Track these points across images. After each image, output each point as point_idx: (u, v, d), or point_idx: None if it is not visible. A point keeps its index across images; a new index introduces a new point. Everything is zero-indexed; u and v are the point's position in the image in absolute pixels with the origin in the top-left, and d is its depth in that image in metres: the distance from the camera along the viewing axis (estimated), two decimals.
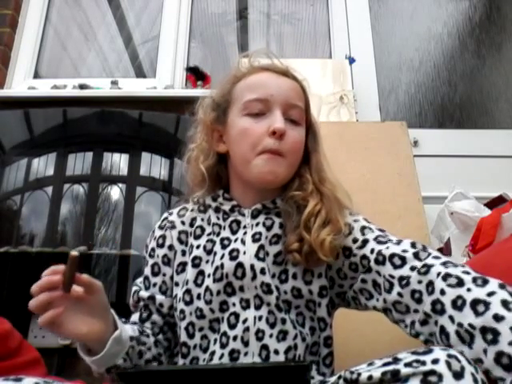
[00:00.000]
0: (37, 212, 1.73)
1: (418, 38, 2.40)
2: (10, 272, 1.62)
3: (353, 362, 0.68)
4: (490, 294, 0.63)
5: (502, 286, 0.63)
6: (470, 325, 0.62)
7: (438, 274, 0.69)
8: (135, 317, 0.89)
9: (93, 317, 0.71)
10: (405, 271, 0.74)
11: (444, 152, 2.10)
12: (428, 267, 0.71)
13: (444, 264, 0.71)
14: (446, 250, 1.55)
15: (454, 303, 0.65)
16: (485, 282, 0.65)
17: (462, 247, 1.47)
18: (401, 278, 0.73)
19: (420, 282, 0.71)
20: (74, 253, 0.67)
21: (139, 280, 0.94)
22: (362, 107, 2.06)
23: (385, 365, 0.59)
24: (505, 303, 0.61)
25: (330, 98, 1.98)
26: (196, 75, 2.19)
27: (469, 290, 0.65)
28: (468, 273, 0.68)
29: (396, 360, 0.60)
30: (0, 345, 0.69)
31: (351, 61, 2.13)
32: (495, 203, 1.52)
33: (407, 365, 0.58)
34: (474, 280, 0.66)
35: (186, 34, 2.36)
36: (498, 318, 0.60)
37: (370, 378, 0.58)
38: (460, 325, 0.63)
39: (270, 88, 0.87)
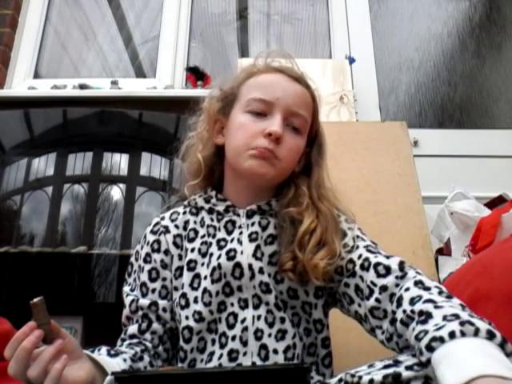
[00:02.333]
0: (37, 212, 1.73)
1: (418, 38, 2.40)
2: (10, 272, 1.62)
3: (353, 362, 0.69)
4: (445, 301, 0.64)
5: (462, 306, 0.64)
6: (412, 310, 0.65)
7: (413, 278, 0.72)
8: (133, 329, 0.84)
9: (77, 360, 0.69)
10: (387, 281, 0.74)
11: (444, 152, 2.09)
12: (406, 273, 0.73)
13: (421, 279, 0.71)
14: (446, 249, 1.55)
15: (411, 300, 0.67)
16: (449, 298, 0.66)
17: (461, 247, 1.47)
18: (382, 287, 0.74)
19: (397, 285, 0.73)
20: (36, 299, 0.65)
21: (128, 288, 0.89)
22: (362, 107, 2.06)
23: (385, 367, 0.59)
24: (452, 307, 0.62)
25: (330, 98, 1.98)
26: (196, 75, 2.19)
27: (430, 294, 0.67)
28: (439, 288, 0.69)
29: (397, 362, 0.60)
30: (0, 345, 0.68)
31: (351, 61, 2.13)
32: (495, 203, 1.52)
33: (408, 368, 0.58)
34: (440, 293, 0.67)
35: (185, 34, 2.35)
36: (437, 306, 0.62)
37: (371, 381, 0.58)
38: (404, 311, 0.66)
39: (277, 91, 0.85)
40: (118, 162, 1.81)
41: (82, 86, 2.13)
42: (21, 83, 2.21)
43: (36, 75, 2.28)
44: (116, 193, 1.77)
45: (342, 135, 1.57)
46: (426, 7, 2.46)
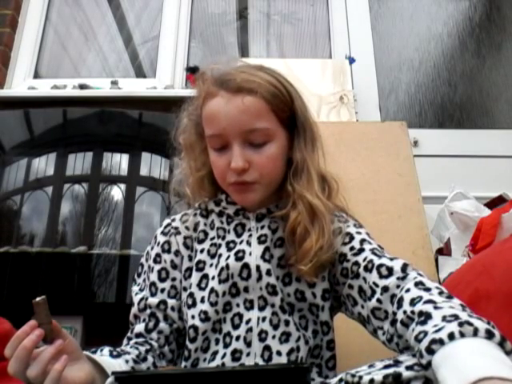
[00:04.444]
0: (37, 212, 1.73)
1: (418, 38, 2.39)
2: (10, 272, 1.62)
3: (353, 362, 0.69)
4: (445, 302, 0.64)
5: (462, 306, 0.64)
6: (412, 311, 0.65)
7: (414, 279, 0.72)
8: (140, 327, 0.85)
9: (77, 361, 0.69)
10: (389, 282, 0.73)
11: (444, 152, 2.09)
12: (407, 275, 0.73)
13: (422, 280, 0.71)
14: (446, 249, 1.55)
15: (411, 301, 0.67)
16: (449, 298, 0.66)
17: (462, 247, 1.47)
18: (383, 288, 0.73)
19: (398, 286, 0.72)
20: (38, 298, 0.65)
21: (137, 288, 0.90)
22: (362, 107, 2.06)
23: (386, 367, 0.59)
24: (452, 308, 0.62)
25: (330, 98, 1.98)
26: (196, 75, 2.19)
27: (431, 294, 0.66)
28: (439, 289, 0.68)
29: (397, 362, 0.60)
30: (0, 345, 0.68)
31: (351, 61, 2.13)
32: (495, 203, 1.52)
33: (409, 368, 0.58)
34: (441, 293, 0.67)
35: (185, 34, 2.35)
36: (436, 307, 0.62)
37: (371, 381, 0.58)
38: (404, 312, 0.66)
39: (220, 121, 0.81)
40: (118, 162, 1.81)
41: (82, 86, 2.13)
42: (21, 83, 2.21)
43: (36, 75, 2.28)
44: (116, 193, 1.77)
45: (342, 135, 1.57)
46: (426, 7, 2.46)
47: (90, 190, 1.76)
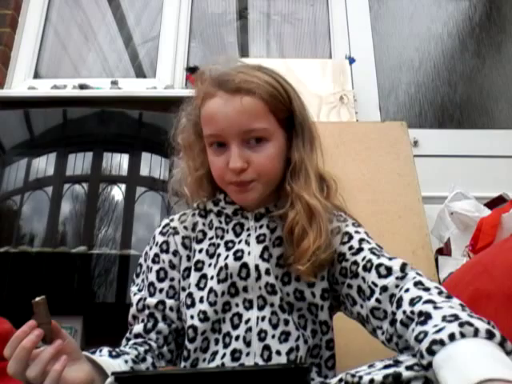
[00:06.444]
0: (37, 212, 1.73)
1: (418, 38, 2.40)
2: (10, 272, 1.62)
3: (353, 362, 0.68)
4: (445, 301, 0.64)
5: (462, 305, 0.64)
6: (412, 311, 0.65)
7: (413, 278, 0.72)
8: (139, 328, 0.85)
9: (76, 361, 0.69)
10: (388, 281, 0.73)
11: (444, 152, 2.09)
12: (406, 274, 0.73)
13: (421, 280, 0.71)
14: (446, 249, 1.55)
15: (411, 301, 0.67)
16: (448, 298, 0.66)
17: (462, 247, 1.47)
18: (382, 288, 0.73)
19: (397, 286, 0.72)
20: (38, 298, 0.65)
21: (135, 288, 0.90)
22: (362, 107, 2.06)
23: (386, 367, 0.59)
24: (451, 307, 0.62)
25: (330, 98, 1.98)
26: None
27: (430, 294, 0.66)
28: (439, 289, 0.68)
29: (397, 362, 0.60)
30: (0, 345, 0.68)
31: (351, 61, 2.13)
32: (495, 203, 1.52)
33: (409, 368, 0.58)
34: (440, 293, 0.67)
35: (185, 34, 2.35)
36: (436, 307, 0.62)
37: (371, 381, 0.58)
38: (404, 312, 0.66)
39: (219, 121, 0.81)
40: (118, 162, 1.81)
41: (82, 86, 2.13)
42: (21, 83, 2.21)
43: (36, 75, 2.28)
44: (116, 193, 1.77)
45: (342, 135, 1.57)
46: (425, 7, 2.46)
47: (89, 190, 1.76)
